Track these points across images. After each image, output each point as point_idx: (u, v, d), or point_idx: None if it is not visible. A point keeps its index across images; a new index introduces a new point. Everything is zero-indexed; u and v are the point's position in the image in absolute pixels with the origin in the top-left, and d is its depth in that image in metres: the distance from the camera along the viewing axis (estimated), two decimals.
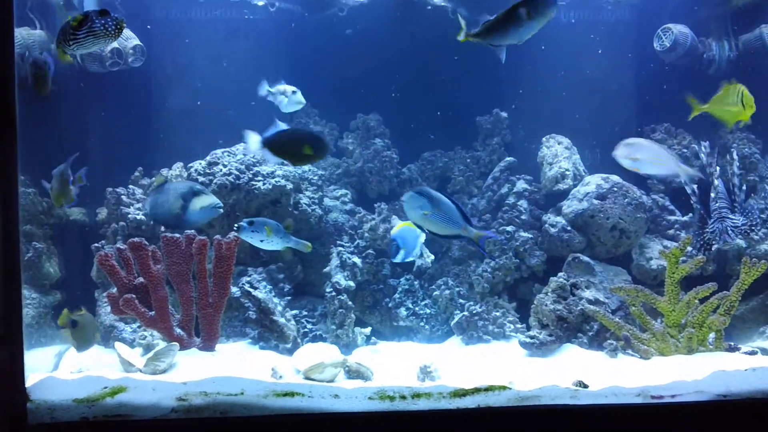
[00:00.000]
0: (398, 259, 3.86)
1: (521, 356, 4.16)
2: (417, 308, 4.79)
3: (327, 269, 4.64)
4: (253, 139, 3.45)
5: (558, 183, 4.97)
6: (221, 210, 3.95)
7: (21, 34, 4.20)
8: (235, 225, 3.72)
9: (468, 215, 3.53)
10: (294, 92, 4.10)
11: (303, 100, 4.14)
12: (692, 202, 4.60)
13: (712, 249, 4.47)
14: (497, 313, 4.61)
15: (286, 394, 2.97)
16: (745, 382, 2.94)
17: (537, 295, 4.39)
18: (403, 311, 4.77)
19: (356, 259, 4.71)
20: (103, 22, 3.08)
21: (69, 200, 3.96)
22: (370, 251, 4.81)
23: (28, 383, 2.89)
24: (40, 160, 4.09)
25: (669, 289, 3.91)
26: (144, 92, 5.18)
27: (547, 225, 4.82)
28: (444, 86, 5.33)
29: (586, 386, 3.10)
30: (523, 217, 4.91)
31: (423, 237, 4.92)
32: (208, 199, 3.89)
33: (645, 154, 3.78)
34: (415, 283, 4.89)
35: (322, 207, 4.98)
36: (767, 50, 4.88)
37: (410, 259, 3.97)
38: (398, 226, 3.89)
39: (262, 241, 3.70)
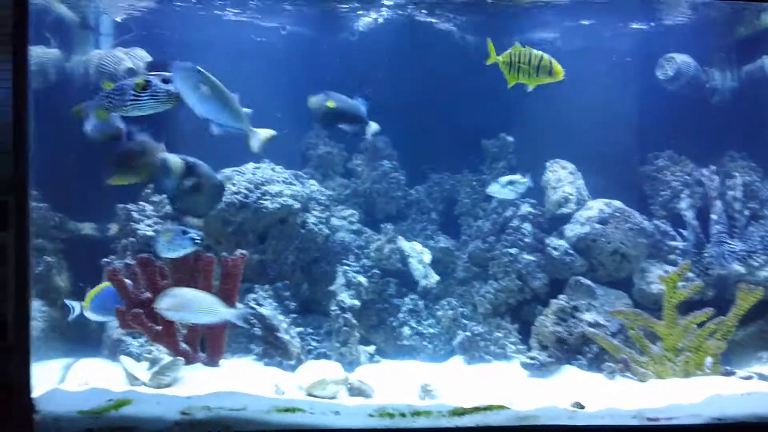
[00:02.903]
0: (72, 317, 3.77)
1: (522, 377, 4.18)
2: (421, 328, 4.82)
3: (333, 287, 4.67)
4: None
5: (561, 207, 5.01)
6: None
7: (36, 52, 4.30)
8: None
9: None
10: (510, 182, 4.59)
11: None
12: (685, 231, 4.64)
13: (711, 274, 4.50)
14: (499, 334, 4.64)
15: (287, 410, 3.02)
16: (740, 406, 2.98)
17: (538, 317, 4.43)
18: (406, 330, 4.81)
19: (362, 279, 4.75)
20: (166, 89, 3.31)
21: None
22: (375, 271, 4.86)
23: (35, 395, 2.96)
24: (52, 176, 4.15)
25: (667, 314, 3.94)
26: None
27: (549, 248, 4.86)
28: (452, 109, 5.39)
29: (583, 407, 3.14)
30: (526, 239, 4.95)
31: (428, 256, 4.99)
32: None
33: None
34: (420, 303, 4.92)
35: (329, 226, 5.01)
36: None
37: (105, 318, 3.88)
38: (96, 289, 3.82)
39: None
